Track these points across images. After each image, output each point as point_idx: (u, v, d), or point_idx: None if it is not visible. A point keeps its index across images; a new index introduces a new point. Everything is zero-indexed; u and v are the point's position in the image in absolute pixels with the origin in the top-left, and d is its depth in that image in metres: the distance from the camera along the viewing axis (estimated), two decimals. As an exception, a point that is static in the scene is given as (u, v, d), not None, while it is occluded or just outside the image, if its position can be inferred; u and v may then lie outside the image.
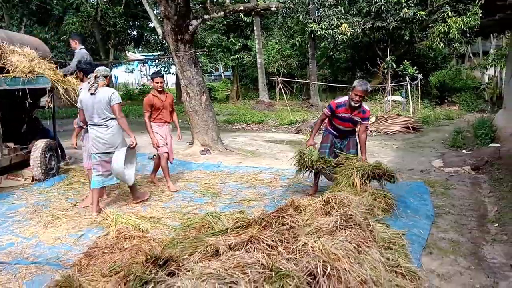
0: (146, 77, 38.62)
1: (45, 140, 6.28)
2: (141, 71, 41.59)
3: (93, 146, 4.71)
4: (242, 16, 17.23)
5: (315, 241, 2.51)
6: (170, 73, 23.23)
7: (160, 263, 2.17)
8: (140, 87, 29.95)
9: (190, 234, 3.25)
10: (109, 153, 4.70)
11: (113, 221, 4.17)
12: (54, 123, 6.97)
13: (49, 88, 5.77)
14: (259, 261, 2.28)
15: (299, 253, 2.48)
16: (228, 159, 7.81)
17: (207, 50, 17.92)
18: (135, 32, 23.26)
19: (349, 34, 15.09)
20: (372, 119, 11.73)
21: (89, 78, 4.67)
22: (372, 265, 2.64)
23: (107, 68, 4.99)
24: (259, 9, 9.06)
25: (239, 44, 19.95)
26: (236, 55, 20.09)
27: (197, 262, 2.21)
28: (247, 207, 4.85)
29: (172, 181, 6.20)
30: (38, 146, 6.04)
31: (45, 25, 19.12)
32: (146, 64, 33.21)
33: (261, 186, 5.89)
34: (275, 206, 4.83)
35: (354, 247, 2.74)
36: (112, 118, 4.68)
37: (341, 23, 15.09)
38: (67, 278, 2.53)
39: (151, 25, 21.76)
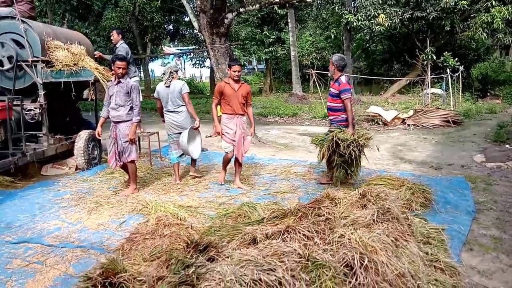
0: (182, 71, 39.27)
1: (88, 131, 6.56)
2: (176, 64, 42.37)
3: (169, 128, 5.70)
4: (276, 9, 17.15)
5: (352, 233, 2.51)
6: (204, 66, 23.52)
7: (200, 248, 2.25)
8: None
9: (226, 223, 3.32)
10: (180, 133, 5.64)
11: (152, 209, 4.33)
12: (96, 115, 7.28)
13: (92, 81, 6.00)
14: (295, 250, 2.31)
15: (335, 244, 2.49)
16: (262, 152, 7.86)
17: (241, 43, 18.01)
18: (171, 27, 23.72)
19: (386, 25, 14.70)
20: (410, 112, 11.42)
21: (164, 73, 5.70)
22: (410, 259, 2.61)
23: (176, 64, 5.81)
24: (294, 1, 9.00)
25: (273, 37, 19.90)
26: (270, 48, 20.06)
27: (235, 249, 2.27)
28: (281, 199, 4.88)
29: (208, 172, 6.34)
30: (82, 137, 6.31)
31: (85, 20, 19.85)
32: (181, 58, 33.75)
33: (294, 178, 5.90)
34: (309, 198, 4.83)
35: (392, 240, 2.71)
36: (183, 105, 5.63)
37: (378, 14, 14.71)
38: (112, 261, 2.66)
39: (186, 19, 22.13)
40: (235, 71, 5.20)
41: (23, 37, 5.71)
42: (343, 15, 15.87)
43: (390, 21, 14.89)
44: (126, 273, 2.65)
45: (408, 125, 10.74)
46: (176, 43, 30.38)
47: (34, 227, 4.12)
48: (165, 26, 22.62)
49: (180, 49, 34.42)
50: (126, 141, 5.08)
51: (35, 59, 5.75)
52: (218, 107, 5.52)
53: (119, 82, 5.01)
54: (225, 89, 5.25)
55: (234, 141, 5.31)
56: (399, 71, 21.15)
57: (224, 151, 5.50)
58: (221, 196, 5.12)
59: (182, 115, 5.62)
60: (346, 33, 17.31)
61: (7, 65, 5.76)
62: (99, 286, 2.56)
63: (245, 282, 1.90)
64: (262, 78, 26.42)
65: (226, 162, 5.57)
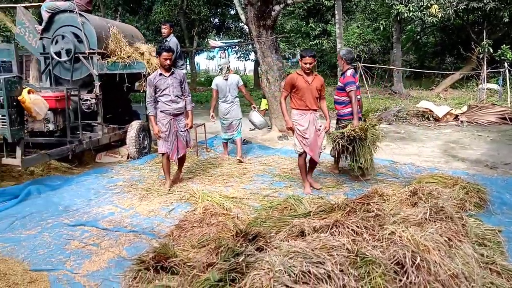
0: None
1: (140, 121, 6.82)
2: (221, 57, 42.87)
3: (223, 115, 6.46)
4: (323, 0, 16.83)
5: (403, 231, 2.44)
6: (249, 59, 23.62)
7: (250, 238, 2.28)
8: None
9: (272, 214, 3.34)
10: (232, 121, 6.55)
11: (199, 198, 4.45)
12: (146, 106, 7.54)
13: (144, 73, 6.22)
14: (344, 245, 2.29)
15: (385, 241, 2.43)
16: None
17: (287, 36, 17.89)
18: (217, 20, 23.99)
19: (439, 16, 14.01)
20: (464, 108, 10.86)
21: (221, 68, 6.48)
22: (464, 260, 2.50)
23: (227, 61, 6.64)
24: (344, -8, 8.76)
25: (318, 29, 19.59)
26: (315, 41, 19.77)
27: (283, 241, 2.29)
28: (326, 193, 4.84)
29: (252, 164, 6.40)
30: (134, 127, 6.58)
31: (135, 14, 20.55)
32: (226, 51, 34.13)
33: (340, 173, 5.82)
34: (355, 194, 4.76)
35: (445, 240, 2.61)
36: (237, 97, 6.54)
37: (431, 4, 14.04)
38: (163, 246, 2.78)
39: (232, 12, 22.29)
40: (306, 63, 4.65)
41: (81, 30, 6.01)
42: (394, 5, 15.28)
43: (444, 12, 14.17)
44: (177, 258, 2.75)
45: (462, 121, 10.22)
46: (221, 36, 30.71)
47: (90, 211, 4.36)
48: (211, 19, 22.92)
49: (225, 42, 34.81)
50: (186, 130, 5.14)
51: (91, 51, 6.04)
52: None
53: (172, 73, 4.93)
54: (297, 82, 4.72)
55: (307, 139, 4.79)
56: (452, 64, 20.14)
57: (295, 151, 5.01)
58: (265, 189, 5.15)
59: (237, 105, 6.60)
60: (396, 24, 16.69)
61: (65, 57, 6.09)
62: (152, 269, 2.69)
63: (294, 273, 1.91)
64: (306, 71, 26.08)
65: (302, 167, 4.97)
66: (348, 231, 2.48)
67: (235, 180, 5.58)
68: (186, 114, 5.19)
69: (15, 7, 6.88)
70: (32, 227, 3.91)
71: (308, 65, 4.66)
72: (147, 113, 4.97)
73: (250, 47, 23.54)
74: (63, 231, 3.82)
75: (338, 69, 17.53)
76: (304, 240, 2.24)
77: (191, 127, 5.19)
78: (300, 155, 4.94)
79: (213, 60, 37.11)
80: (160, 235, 3.69)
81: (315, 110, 4.84)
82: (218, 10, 22.26)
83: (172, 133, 5.01)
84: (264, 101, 9.01)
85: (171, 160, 5.21)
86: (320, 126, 4.87)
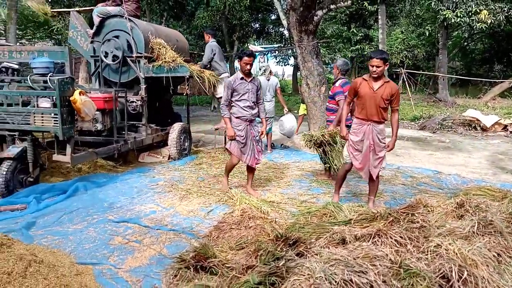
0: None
1: (181, 123, 6.99)
2: (259, 62, 43.15)
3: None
4: (366, 5, 16.57)
5: (450, 244, 2.35)
6: (288, 64, 23.63)
7: (290, 243, 2.28)
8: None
9: (311, 220, 3.32)
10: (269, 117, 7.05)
11: (237, 201, 4.49)
12: (188, 109, 7.73)
13: (187, 77, 6.38)
14: (387, 255, 2.24)
15: (430, 254, 2.35)
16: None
17: (329, 41, 17.74)
18: (257, 25, 24.21)
19: (489, 22, 13.41)
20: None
21: (265, 70, 7.37)
22: (515, 278, 2.37)
23: (269, 64, 6.47)
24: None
25: (360, 34, 19.29)
26: (357, 46, 19.46)
27: (324, 248, 2.26)
28: (366, 202, 4.74)
29: (289, 169, 6.38)
30: (175, 129, 6.75)
31: (179, 19, 21.11)
32: (265, 56, 34.33)
33: (380, 182, 5.67)
34: (396, 203, 4.64)
35: (494, 255, 2.49)
36: (274, 96, 7.49)
37: (481, 10, 13.47)
38: (203, 246, 2.83)
39: (273, 17, 22.42)
40: (373, 66, 4.06)
41: (129, 35, 6.26)
42: (440, 11, 14.79)
43: (494, 18, 13.55)
44: (216, 258, 2.79)
45: (511, 132, 9.70)
46: (261, 41, 30.96)
47: (133, 209, 4.51)
48: (252, 24, 23.15)
49: (265, 47, 35.05)
50: (259, 139, 5.01)
51: (138, 55, 6.27)
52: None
53: (252, 79, 4.81)
54: (360, 88, 4.19)
55: (358, 152, 4.30)
56: (501, 72, 19.18)
57: (343, 159, 4.65)
58: (303, 194, 5.12)
59: (273, 104, 7.57)
60: (442, 30, 16.15)
61: (114, 60, 6.35)
62: (191, 268, 2.74)
63: (335, 281, 1.88)
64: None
65: (340, 178, 4.60)
66: (391, 241, 2.42)
67: (273, 184, 5.59)
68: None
69: (69, 12, 7.29)
70: (78, 222, 4.09)
71: (375, 68, 4.04)
72: (222, 115, 4.81)
73: (290, 52, 23.54)
74: (108, 227, 3.97)
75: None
76: (345, 248, 2.20)
77: (263, 135, 5.07)
78: (345, 164, 4.51)
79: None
80: (199, 235, 3.75)
81: (377, 122, 4.19)
82: (259, 15, 22.46)
83: (249, 138, 4.88)
84: (302, 106, 8.97)
85: (242, 163, 5.08)
86: (383, 139, 4.29)
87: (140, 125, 6.50)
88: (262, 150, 5.17)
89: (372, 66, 4.06)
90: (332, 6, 7.61)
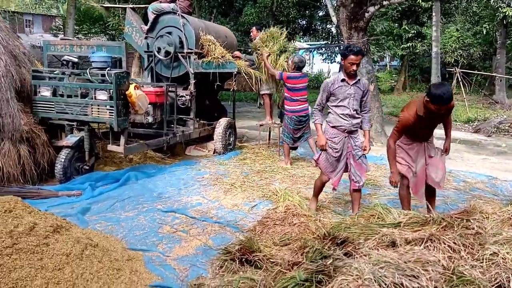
0: (310, 66, 39.47)
1: (227, 118, 7.10)
2: (305, 59, 42.69)
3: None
4: (420, 1, 15.93)
5: (507, 252, 2.23)
6: (334, 61, 23.24)
7: (338, 242, 2.26)
8: (304, 75, 30.80)
9: (358, 221, 3.26)
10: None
11: (281, 198, 4.51)
12: (234, 104, 7.84)
13: (235, 72, 6.46)
14: (439, 261, 2.16)
15: (486, 262, 2.24)
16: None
17: (379, 38, 17.24)
18: (304, 22, 23.94)
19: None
20: None
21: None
22: None
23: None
24: (446, -7, 8.20)
25: (412, 31, 18.57)
26: (408, 44, 18.76)
27: (372, 249, 2.22)
28: (414, 205, 4.58)
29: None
30: (221, 124, 6.87)
31: (226, 16, 21.34)
32: (311, 53, 33.93)
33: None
34: (447, 208, 4.45)
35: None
36: None
37: (547, 6, 12.54)
38: (249, 240, 2.87)
39: (320, 13, 22.08)
40: (438, 108, 3.39)
41: (181, 31, 6.43)
42: (500, 8, 13.94)
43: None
44: (261, 253, 2.83)
45: None
46: (306, 38, 30.62)
47: (180, 200, 4.65)
48: (299, 21, 22.94)
49: (310, 44, 34.65)
50: (363, 154, 4.03)
51: (189, 50, 6.43)
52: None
53: (357, 81, 3.85)
54: (414, 125, 3.66)
55: (413, 172, 3.88)
56: None
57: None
58: (348, 194, 5.02)
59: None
60: (501, 28, 15.23)
61: (166, 56, 6.55)
62: (237, 261, 2.79)
63: (385, 284, 1.85)
64: (394, 75, 24.96)
65: (403, 198, 4.02)
66: (444, 247, 2.32)
67: (317, 182, 5.53)
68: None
69: (124, 8, 7.60)
70: (129, 210, 4.28)
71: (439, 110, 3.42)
72: (312, 121, 4.08)
73: (337, 49, 23.11)
74: (157, 215, 4.13)
75: (433, 72, 16.48)
76: (395, 251, 2.15)
77: (368, 151, 4.03)
78: (402, 177, 3.90)
79: (297, 61, 37.11)
80: (243, 229, 3.80)
81: (429, 139, 3.90)
82: (306, 11, 22.18)
83: (344, 154, 4.01)
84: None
85: (329, 181, 4.20)
86: (436, 149, 3.95)
87: (188, 119, 6.67)
88: (367, 169, 4.16)
89: (437, 108, 3.38)
90: (384, 3, 7.39)
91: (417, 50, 19.21)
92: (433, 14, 15.88)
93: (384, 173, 6.04)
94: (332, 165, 4.04)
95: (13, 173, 4.59)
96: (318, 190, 4.28)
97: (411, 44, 18.82)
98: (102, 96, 4.86)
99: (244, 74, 6.51)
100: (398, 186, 3.89)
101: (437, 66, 16.56)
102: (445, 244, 2.30)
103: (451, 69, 15.92)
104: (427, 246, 2.28)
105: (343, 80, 3.85)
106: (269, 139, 7.92)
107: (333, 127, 3.99)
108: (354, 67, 3.74)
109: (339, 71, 3.97)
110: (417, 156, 3.85)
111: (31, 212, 2.84)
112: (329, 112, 4.04)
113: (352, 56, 3.69)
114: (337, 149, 3.97)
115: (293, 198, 4.47)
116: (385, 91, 21.40)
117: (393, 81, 23.08)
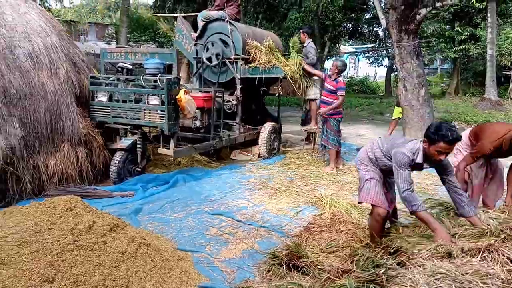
0: (356, 69, 38.76)
1: (272, 123, 7.14)
2: (350, 63, 42.07)
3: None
4: (474, 2, 15.19)
5: None
6: (382, 65, 22.67)
7: (390, 251, 2.21)
8: (348, 79, 30.38)
9: (410, 230, 3.16)
10: None
11: (327, 204, 4.47)
12: (278, 109, 7.87)
13: (281, 78, 6.49)
14: (499, 274, 2.05)
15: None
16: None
17: (430, 40, 16.62)
18: (350, 25, 23.62)
19: None
20: None
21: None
22: None
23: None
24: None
25: (465, 33, 17.73)
26: (461, 46, 17.93)
27: (427, 260, 2.15)
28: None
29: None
30: (266, 128, 6.92)
31: (271, 21, 21.47)
32: (356, 57, 33.35)
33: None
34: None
35: None
36: None
37: None
38: (296, 245, 2.87)
39: (367, 16, 21.68)
40: None
41: (229, 37, 6.56)
42: None
43: None
44: (308, 259, 2.81)
45: None
46: (351, 41, 30.11)
47: (226, 203, 4.73)
48: (344, 24, 22.66)
49: (355, 48, 34.02)
50: None
51: (236, 56, 6.55)
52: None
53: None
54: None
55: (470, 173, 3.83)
56: None
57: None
58: (397, 202, 4.88)
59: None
60: None
61: (214, 62, 6.72)
62: (284, 266, 2.80)
63: (441, 296, 1.78)
64: (445, 79, 23.91)
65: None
66: (503, 259, 2.20)
67: (364, 189, 5.42)
68: None
69: (174, 16, 7.87)
70: (178, 211, 4.42)
71: None
72: (411, 210, 2.86)
73: (384, 52, 22.56)
74: (204, 218, 4.23)
75: (488, 76, 15.61)
76: (451, 263, 2.07)
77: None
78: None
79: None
80: (289, 234, 3.80)
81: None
82: (352, 15, 21.87)
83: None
84: (397, 110, 8.53)
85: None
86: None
87: (234, 124, 6.78)
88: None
89: None
90: (437, 4, 7.13)
91: (471, 53, 18.29)
92: (488, 15, 15.10)
93: (435, 181, 5.80)
94: (381, 193, 3.27)
95: (71, 174, 4.88)
96: (380, 230, 3.19)
97: (464, 47, 17.96)
98: (154, 101, 5.06)
99: (289, 79, 6.52)
100: None
101: (493, 69, 15.70)
102: (504, 256, 2.18)
103: (507, 73, 15.03)
104: (484, 257, 2.17)
105: (419, 164, 2.99)
106: (313, 144, 7.86)
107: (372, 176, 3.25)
108: (443, 157, 2.83)
109: (415, 145, 2.96)
110: (478, 168, 3.77)
111: (90, 211, 3.02)
112: (371, 161, 3.30)
113: (443, 144, 2.75)
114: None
115: (339, 204, 4.42)
116: (436, 95, 20.54)
117: (444, 85, 22.10)
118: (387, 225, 3.30)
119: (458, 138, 2.80)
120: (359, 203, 3.39)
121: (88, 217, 2.87)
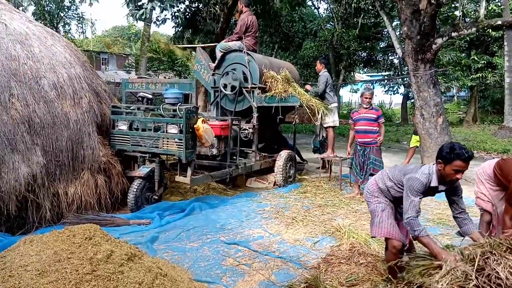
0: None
1: (288, 151, 7.14)
2: (366, 89, 42.10)
3: None
4: (490, 31, 15.21)
5: None
6: (398, 93, 22.65)
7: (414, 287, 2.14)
8: (364, 107, 30.32)
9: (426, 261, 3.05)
10: None
11: (345, 234, 4.38)
12: (294, 137, 7.88)
13: (297, 106, 6.54)
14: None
15: None
16: (465, 190, 6.97)
17: (446, 69, 16.61)
18: (364, 54, 23.82)
19: None
20: None
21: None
22: None
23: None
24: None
25: (482, 61, 17.67)
26: (477, 74, 17.84)
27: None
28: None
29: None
30: (282, 156, 6.92)
31: (286, 50, 21.86)
32: (371, 85, 33.48)
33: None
34: None
35: None
36: None
37: None
38: (315, 278, 2.81)
39: (382, 45, 21.85)
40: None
41: (246, 67, 6.70)
42: None
43: None
44: (327, 293, 2.74)
45: None
46: (366, 69, 30.27)
47: (242, 232, 4.69)
48: (359, 53, 22.87)
49: (370, 76, 34.15)
50: None
51: (253, 85, 6.65)
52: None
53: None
54: None
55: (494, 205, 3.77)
56: None
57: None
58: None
59: None
60: None
61: (231, 91, 6.82)
62: (302, 299, 2.73)
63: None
64: (462, 106, 23.69)
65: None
66: None
67: (382, 219, 5.31)
68: None
69: (193, 47, 8.10)
70: (194, 240, 4.39)
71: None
72: (414, 234, 2.87)
73: (400, 80, 22.57)
74: (220, 247, 4.19)
75: (506, 103, 15.41)
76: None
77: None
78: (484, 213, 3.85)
79: (356, 93, 36.78)
80: (307, 266, 3.72)
81: None
82: (367, 44, 22.10)
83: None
84: (415, 138, 8.46)
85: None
86: None
87: (250, 152, 6.81)
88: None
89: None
90: (453, 34, 7.16)
91: (488, 81, 18.16)
92: (505, 43, 15.07)
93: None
94: (394, 224, 3.14)
95: (90, 201, 4.94)
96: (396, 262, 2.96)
97: (481, 75, 17.87)
98: (172, 129, 5.15)
99: (306, 107, 6.57)
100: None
101: (511, 97, 15.50)
102: None
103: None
104: None
105: (433, 188, 2.95)
106: (330, 172, 7.81)
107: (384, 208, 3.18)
108: (460, 175, 2.84)
109: (428, 169, 2.97)
110: (498, 201, 3.72)
111: (108, 240, 3.02)
112: (382, 193, 3.24)
113: (459, 163, 2.79)
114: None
115: (357, 235, 4.33)
116: (454, 123, 20.30)
117: (461, 113, 21.89)
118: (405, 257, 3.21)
119: (472, 156, 2.85)
120: (372, 237, 3.26)
121: (106, 246, 2.87)
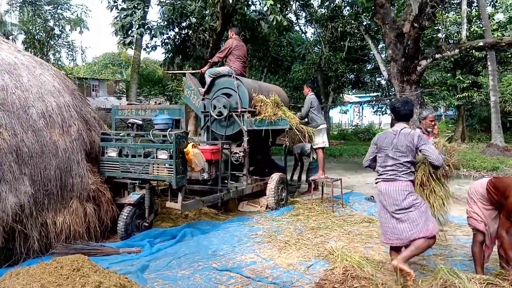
0: (360, 118, 39.25)
1: (279, 174, 7.14)
2: (354, 111, 42.78)
3: None
4: (473, 51, 15.65)
5: None
6: (386, 113, 22.97)
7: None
8: (353, 128, 30.68)
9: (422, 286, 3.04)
10: None
11: (338, 257, 4.33)
12: (285, 160, 7.90)
13: (287, 129, 6.59)
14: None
15: None
16: (456, 209, 7.00)
17: (433, 89, 16.97)
18: (352, 76, 24.25)
19: None
20: None
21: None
22: None
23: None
24: (503, 44, 8.03)
25: (467, 81, 18.09)
26: (463, 93, 18.23)
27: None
28: (486, 269, 4.20)
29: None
30: (273, 179, 6.91)
31: (275, 74, 22.17)
32: (360, 106, 33.93)
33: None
34: None
35: None
36: None
37: None
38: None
39: (369, 67, 22.29)
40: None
41: (235, 92, 6.76)
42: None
43: None
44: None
45: None
46: (355, 91, 30.75)
47: (234, 258, 4.62)
48: (347, 75, 23.27)
49: (359, 97, 34.71)
50: None
51: (243, 110, 6.70)
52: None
53: None
54: None
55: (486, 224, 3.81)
56: None
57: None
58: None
59: None
60: None
61: (222, 115, 6.86)
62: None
63: None
64: (450, 125, 24.05)
65: (477, 256, 3.85)
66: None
67: (375, 241, 5.28)
68: None
69: (183, 73, 8.18)
70: (186, 268, 4.31)
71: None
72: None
73: (388, 101, 22.93)
74: (212, 274, 4.11)
75: (493, 122, 15.69)
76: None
77: None
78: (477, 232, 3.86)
79: (346, 114, 37.22)
80: (301, 292, 3.67)
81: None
82: (355, 66, 22.53)
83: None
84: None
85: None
86: None
87: (241, 175, 6.79)
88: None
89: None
90: (437, 56, 7.37)
91: (474, 100, 18.57)
92: (488, 63, 15.50)
93: (449, 232, 5.66)
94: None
95: (79, 230, 4.83)
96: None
97: (467, 94, 18.26)
98: (163, 155, 5.13)
99: (295, 130, 6.62)
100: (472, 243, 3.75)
101: (497, 115, 15.84)
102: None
103: (512, 119, 15.14)
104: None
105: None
106: (322, 194, 7.80)
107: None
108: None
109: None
110: (491, 220, 3.74)
111: (97, 271, 2.97)
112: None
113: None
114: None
115: (351, 258, 4.29)
116: (442, 142, 20.52)
117: (450, 131, 22.19)
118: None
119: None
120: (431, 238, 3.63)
121: (94, 277, 2.82)
